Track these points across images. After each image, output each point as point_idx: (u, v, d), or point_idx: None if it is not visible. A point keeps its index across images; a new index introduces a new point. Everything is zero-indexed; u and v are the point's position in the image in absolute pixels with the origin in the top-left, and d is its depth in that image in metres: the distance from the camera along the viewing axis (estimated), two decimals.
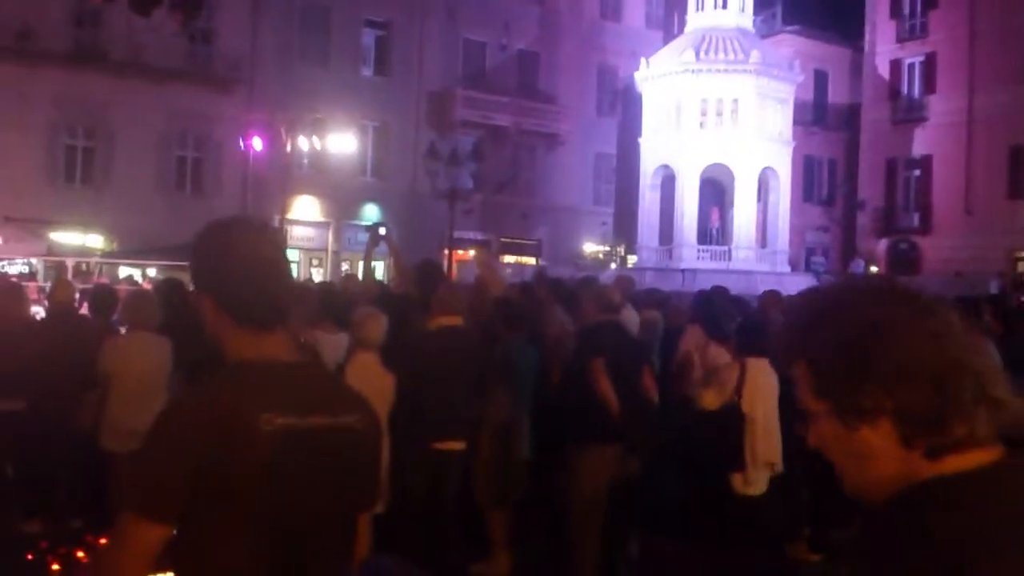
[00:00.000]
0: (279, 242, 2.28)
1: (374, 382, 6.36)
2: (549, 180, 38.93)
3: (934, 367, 1.37)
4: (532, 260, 36.49)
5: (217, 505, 1.96)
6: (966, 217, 36.49)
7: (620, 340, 6.93)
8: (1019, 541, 1.29)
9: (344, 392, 2.32)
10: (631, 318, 9.95)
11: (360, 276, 10.42)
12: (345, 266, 31.96)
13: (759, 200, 33.86)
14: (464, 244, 34.90)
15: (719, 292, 11.01)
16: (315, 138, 27.76)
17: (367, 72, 35.55)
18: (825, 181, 43.62)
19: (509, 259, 36.16)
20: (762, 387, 6.72)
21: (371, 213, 32.76)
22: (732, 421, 6.64)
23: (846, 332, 1.41)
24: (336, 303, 7.69)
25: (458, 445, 6.75)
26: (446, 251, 29.02)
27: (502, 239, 37.55)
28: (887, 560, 1.35)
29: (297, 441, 2.04)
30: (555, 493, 7.07)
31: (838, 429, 1.44)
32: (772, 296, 12.12)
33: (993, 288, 24.13)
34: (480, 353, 7.01)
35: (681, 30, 35.64)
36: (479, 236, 36.33)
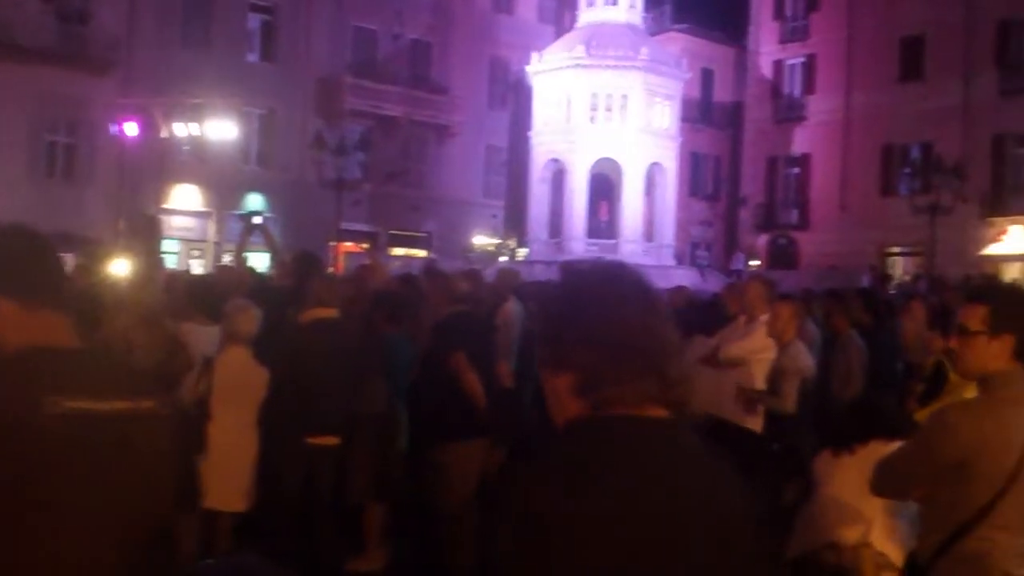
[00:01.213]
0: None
1: (245, 376, 6.20)
2: (440, 172, 38.69)
3: (612, 339, 1.73)
4: (422, 253, 36.24)
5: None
6: (841, 213, 37.66)
7: (474, 331, 6.85)
8: (614, 474, 1.68)
9: (139, 377, 2.16)
10: (516, 310, 9.93)
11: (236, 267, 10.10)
12: (227, 258, 31.21)
13: (646, 195, 34.35)
14: (352, 236, 34.48)
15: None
16: (193, 124, 26.90)
17: (252, 57, 34.70)
18: (710, 177, 44.50)
19: (398, 251, 35.85)
20: None
21: (255, 203, 32.02)
22: None
23: (559, 305, 1.83)
24: (208, 295, 7.42)
25: (332, 440, 6.59)
26: (333, 243, 28.62)
27: (391, 231, 37.17)
28: (531, 464, 1.75)
29: (93, 426, 1.86)
30: (428, 488, 6.97)
31: (547, 379, 1.82)
32: (679, 292, 12.42)
33: (865, 282, 24.90)
34: (356, 346, 6.84)
35: (572, 25, 35.88)
36: (368, 228, 35.90)
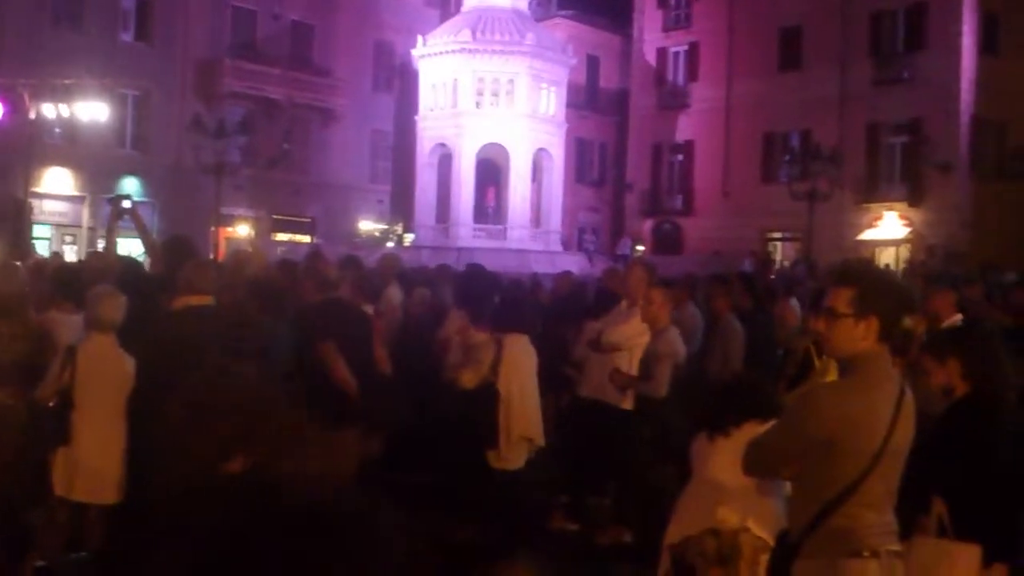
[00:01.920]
0: None
1: (110, 365, 5.97)
2: (324, 156, 38.08)
3: None
4: (306, 238, 35.69)
5: None
6: (724, 200, 38.44)
7: (346, 318, 6.72)
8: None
9: None
10: (396, 296, 9.80)
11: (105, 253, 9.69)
12: (101, 243, 30.11)
13: (534, 180, 34.44)
14: (233, 221, 33.72)
15: (477, 271, 11.00)
16: (64, 106, 25.79)
17: (127, 37, 33.43)
18: (596, 163, 44.91)
19: (282, 237, 35.20)
20: (519, 364, 6.75)
21: (131, 187, 30.93)
22: (487, 399, 6.61)
23: None
24: (75, 282, 7.08)
25: None
26: (214, 228, 27.92)
27: (274, 216, 36.47)
28: None
29: None
30: None
31: None
32: (565, 277, 12.47)
33: (747, 267, 25.45)
34: (230, 334, 6.60)
35: (458, 9, 35.68)
36: (249, 213, 35.18)
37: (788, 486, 3.75)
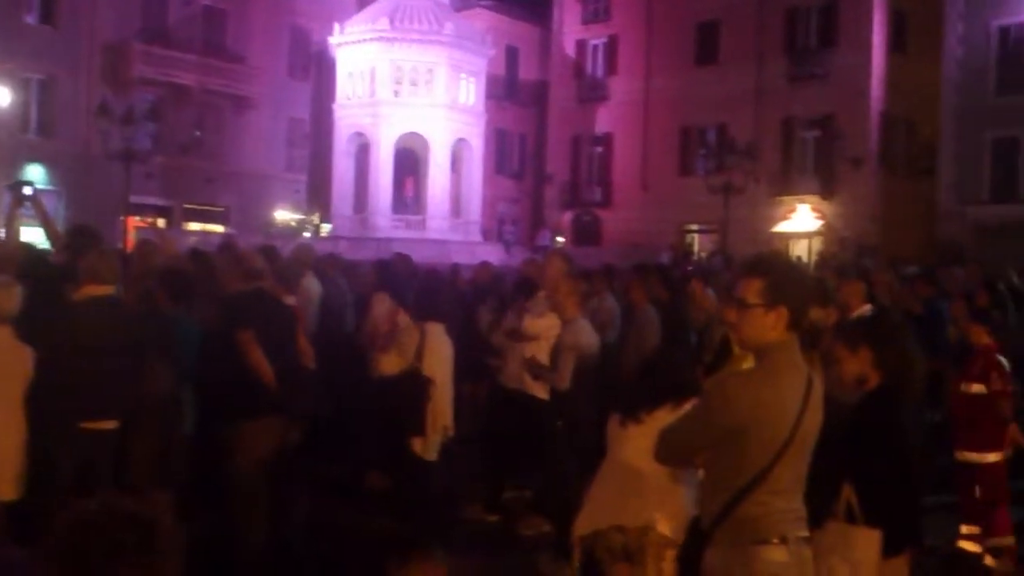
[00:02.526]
0: None
1: (6, 357, 5.74)
2: (238, 144, 37.41)
3: None
4: (219, 228, 35.05)
5: None
6: (643, 192, 38.81)
7: (267, 308, 6.61)
8: None
9: None
10: (312, 286, 9.66)
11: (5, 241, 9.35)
12: (1, 232, 29.11)
13: (453, 171, 34.33)
14: (143, 210, 32.93)
15: (400, 259, 10.92)
16: None
17: (31, 19, 32.29)
18: (516, 154, 44.94)
19: (194, 226, 34.50)
20: (438, 352, 6.69)
21: (35, 175, 29.98)
22: (415, 385, 6.55)
23: None
24: None
25: (110, 424, 6.21)
26: (122, 217, 27.22)
27: (186, 206, 35.75)
28: None
29: None
30: (216, 469, 6.67)
31: None
32: (484, 267, 12.45)
33: (665, 258, 25.77)
34: (137, 325, 6.43)
35: None
36: (161, 202, 34.41)
37: (701, 472, 3.77)
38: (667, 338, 8.70)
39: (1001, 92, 30.41)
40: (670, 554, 3.76)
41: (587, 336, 6.85)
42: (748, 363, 3.52)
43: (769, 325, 3.17)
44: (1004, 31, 30.65)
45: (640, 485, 3.93)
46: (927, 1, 32.57)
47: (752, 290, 3.19)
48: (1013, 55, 30.35)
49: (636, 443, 3.98)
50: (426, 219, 33.06)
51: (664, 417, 3.85)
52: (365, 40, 32.39)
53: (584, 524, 4.07)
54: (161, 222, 34.11)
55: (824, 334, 6.27)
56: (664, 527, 3.83)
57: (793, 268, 3.56)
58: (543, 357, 6.98)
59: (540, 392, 7.15)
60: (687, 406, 3.77)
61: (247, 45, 37.50)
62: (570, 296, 6.85)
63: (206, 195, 36.42)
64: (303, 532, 6.86)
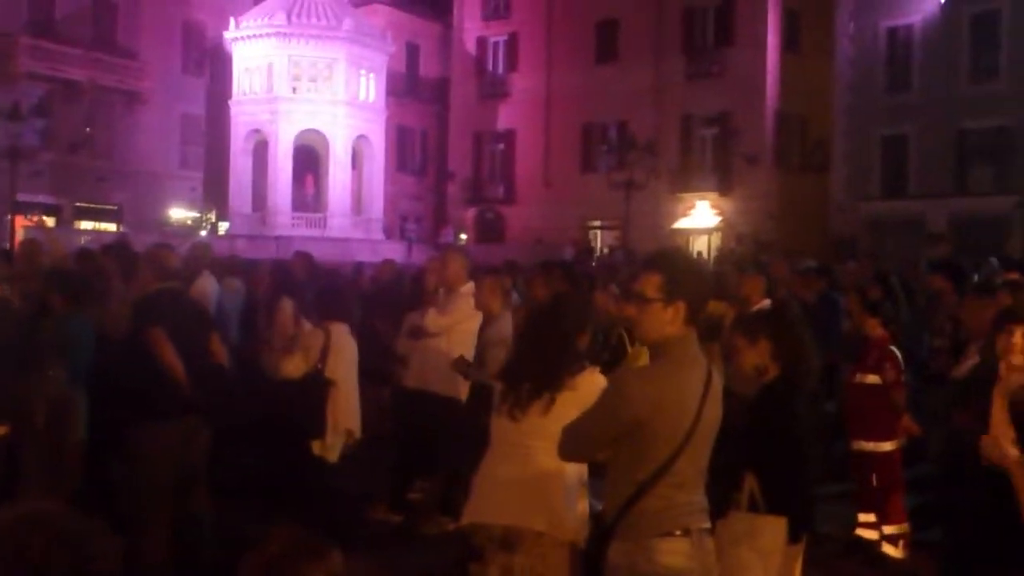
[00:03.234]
0: None
1: None
2: (131, 141, 36.42)
3: None
4: (112, 227, 34.08)
5: None
6: (545, 188, 38.98)
7: (181, 308, 6.47)
8: None
9: None
10: (209, 286, 9.43)
11: None
12: None
13: (354, 168, 34.04)
14: (32, 209, 31.82)
15: (300, 258, 10.74)
16: None
17: None
18: (418, 151, 44.72)
19: (86, 225, 33.46)
20: (342, 353, 6.60)
21: None
22: (315, 388, 6.44)
23: None
24: None
25: (0, 429, 5.95)
26: (9, 216, 26.30)
27: (77, 204, 34.68)
28: None
29: None
30: (116, 474, 6.46)
31: None
32: (386, 265, 12.33)
33: (568, 254, 25.95)
34: (26, 326, 6.19)
35: None
36: (50, 200, 33.29)
37: (576, 477, 3.80)
38: None
39: (890, 91, 31.44)
40: (558, 551, 3.73)
41: (512, 331, 6.85)
42: (644, 360, 3.51)
43: (667, 320, 3.19)
44: (892, 32, 31.67)
45: (527, 484, 3.84)
46: (819, 2, 33.46)
47: (650, 285, 3.21)
48: (901, 55, 31.38)
49: (519, 438, 3.89)
50: (327, 217, 32.70)
51: (537, 413, 3.80)
52: (261, 35, 31.90)
53: (466, 514, 4.00)
54: (50, 221, 33.05)
55: (724, 327, 6.36)
56: (540, 521, 3.77)
57: (691, 263, 3.61)
58: (447, 353, 6.92)
59: (444, 390, 7.10)
60: (565, 400, 3.74)
61: (139, 40, 36.50)
62: (494, 292, 6.83)
63: (98, 193, 35.38)
64: (210, 538, 6.69)
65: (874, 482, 6.89)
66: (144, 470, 6.12)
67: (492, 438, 4.03)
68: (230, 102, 33.40)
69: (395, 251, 26.55)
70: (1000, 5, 29.31)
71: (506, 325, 6.87)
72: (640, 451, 3.17)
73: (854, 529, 7.06)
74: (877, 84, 31.76)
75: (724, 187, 34.79)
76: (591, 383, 3.78)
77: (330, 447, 6.64)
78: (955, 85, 29.83)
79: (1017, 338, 3.60)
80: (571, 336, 3.94)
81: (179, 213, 37.73)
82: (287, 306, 8.30)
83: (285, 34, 31.47)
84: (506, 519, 3.80)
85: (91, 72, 34.47)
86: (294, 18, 31.61)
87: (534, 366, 3.86)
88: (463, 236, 38.69)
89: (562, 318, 3.98)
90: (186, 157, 38.66)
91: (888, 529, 6.83)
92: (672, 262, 3.33)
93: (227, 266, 10.58)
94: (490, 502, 3.88)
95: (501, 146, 41.31)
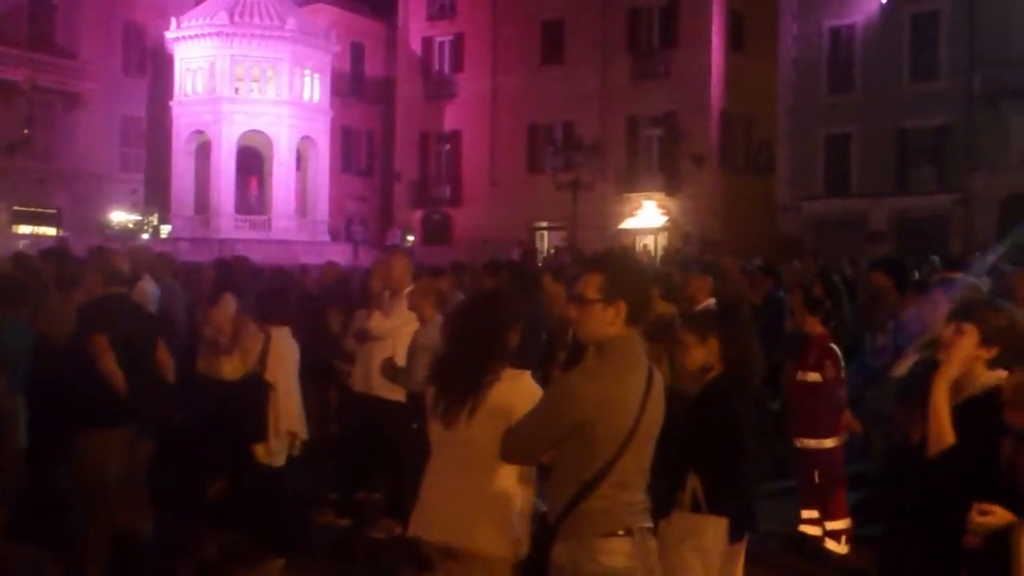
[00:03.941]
0: None
1: None
2: (70, 143, 35.83)
3: None
4: (52, 230, 33.47)
5: None
6: (492, 189, 38.95)
7: (128, 314, 6.40)
8: None
9: None
10: (149, 290, 9.30)
11: None
12: None
13: (298, 169, 33.78)
14: None
15: (239, 262, 10.63)
16: None
17: None
18: (363, 152, 44.47)
19: (24, 229, 32.82)
20: (284, 356, 6.53)
21: None
22: (254, 391, 6.36)
23: None
24: None
25: None
26: None
27: (15, 207, 34.04)
28: None
29: None
30: (58, 482, 6.38)
31: None
32: (331, 267, 12.23)
33: (515, 255, 25.94)
34: None
35: None
36: None
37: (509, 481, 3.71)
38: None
39: (833, 91, 31.86)
40: (498, 568, 3.67)
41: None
42: None
43: (608, 320, 3.20)
44: (835, 32, 32.09)
45: (448, 500, 3.75)
46: (763, 3, 33.78)
47: (591, 286, 3.22)
48: (844, 55, 31.81)
49: (453, 450, 3.79)
50: (271, 219, 32.44)
51: (465, 419, 3.70)
52: (203, 35, 31.57)
53: (413, 528, 3.92)
54: None
55: (670, 327, 6.37)
56: (490, 546, 3.69)
57: (631, 263, 3.59)
58: (398, 358, 6.86)
59: (389, 394, 7.03)
60: (492, 405, 3.64)
61: (78, 40, 35.90)
62: (426, 296, 6.75)
63: (37, 196, 34.76)
64: (150, 547, 6.57)
65: (817, 479, 6.95)
66: (87, 478, 6.05)
67: (432, 445, 3.97)
68: (172, 103, 32.99)
69: (341, 253, 26.41)
70: (940, 5, 29.84)
71: (436, 330, 6.78)
72: (583, 451, 3.17)
73: (797, 526, 7.12)
74: (820, 84, 32.18)
75: (670, 187, 34.99)
76: (516, 388, 3.69)
77: (274, 451, 6.56)
78: (896, 85, 30.32)
79: (948, 333, 3.66)
80: (500, 335, 3.85)
81: (120, 216, 37.17)
82: (229, 302, 8.18)
83: (227, 34, 31.16)
84: (446, 537, 3.74)
85: (29, 72, 33.88)
86: (236, 18, 31.31)
87: (460, 369, 3.77)
88: (410, 237, 38.54)
89: (488, 316, 3.90)
90: (127, 159, 38.08)
91: (831, 525, 6.89)
92: (612, 263, 3.33)
93: (163, 268, 10.40)
94: (431, 518, 3.82)
95: (447, 147, 41.17)
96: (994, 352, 3.53)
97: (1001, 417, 3.38)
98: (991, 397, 3.46)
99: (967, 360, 3.55)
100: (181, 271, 11.03)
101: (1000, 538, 3.21)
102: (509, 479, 3.71)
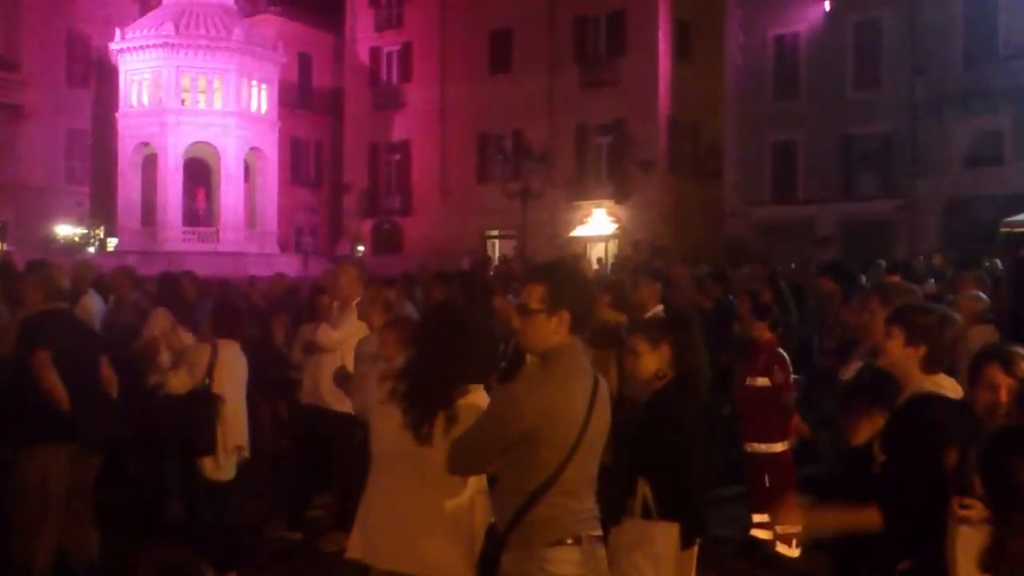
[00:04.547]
0: None
1: None
2: (12, 156, 35.26)
3: None
4: None
5: None
6: (442, 199, 38.88)
7: (71, 330, 6.31)
8: None
9: None
10: (94, 304, 9.16)
11: None
12: None
13: (246, 181, 33.51)
14: None
15: (185, 275, 10.48)
16: None
17: None
18: (312, 163, 44.21)
19: None
20: (232, 369, 6.45)
21: None
22: (203, 404, 6.29)
23: None
24: None
25: None
26: None
27: None
28: None
29: None
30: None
31: None
32: (279, 279, 12.12)
33: (465, 265, 25.85)
34: None
35: (160, 1, 34.02)
36: None
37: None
38: None
39: (778, 98, 32.20)
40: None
41: None
42: None
43: (552, 329, 3.20)
44: (779, 40, 32.45)
45: (423, 518, 3.70)
46: (709, 11, 34.07)
47: (534, 296, 3.22)
48: (788, 63, 32.18)
49: (415, 464, 3.75)
50: (219, 231, 32.12)
51: (440, 434, 3.65)
52: (149, 46, 31.23)
53: (358, 550, 3.87)
54: None
55: (616, 334, 6.39)
56: (441, 572, 3.66)
57: (574, 272, 3.59)
58: (344, 368, 6.82)
59: (338, 405, 6.97)
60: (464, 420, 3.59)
61: (19, 50, 35.33)
62: (374, 306, 6.70)
63: None
64: (93, 564, 6.46)
65: (767, 482, 7.00)
66: (29, 494, 5.96)
67: (375, 463, 3.92)
68: (117, 114, 32.54)
69: (291, 264, 26.21)
70: (882, 13, 30.30)
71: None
72: (530, 461, 3.15)
73: (749, 530, 7.16)
74: (766, 91, 32.51)
75: (620, 195, 35.15)
76: (478, 402, 3.67)
77: (222, 466, 6.48)
78: (841, 92, 30.71)
79: (880, 336, 3.74)
80: (473, 348, 3.81)
81: (66, 229, 36.63)
82: (161, 315, 8.04)
83: (173, 45, 30.85)
84: (396, 564, 3.71)
85: None
86: (182, 28, 31.00)
87: (430, 382, 3.73)
88: (360, 248, 38.34)
89: (462, 329, 3.84)
90: (72, 171, 37.52)
91: (781, 529, 6.95)
92: (555, 273, 3.33)
93: (122, 281, 10.20)
94: (379, 542, 3.78)
95: (397, 157, 41.02)
96: (922, 351, 3.58)
97: (940, 420, 3.43)
98: (930, 401, 3.51)
99: (899, 361, 3.61)
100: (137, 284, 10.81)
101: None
102: (468, 492, 3.69)
